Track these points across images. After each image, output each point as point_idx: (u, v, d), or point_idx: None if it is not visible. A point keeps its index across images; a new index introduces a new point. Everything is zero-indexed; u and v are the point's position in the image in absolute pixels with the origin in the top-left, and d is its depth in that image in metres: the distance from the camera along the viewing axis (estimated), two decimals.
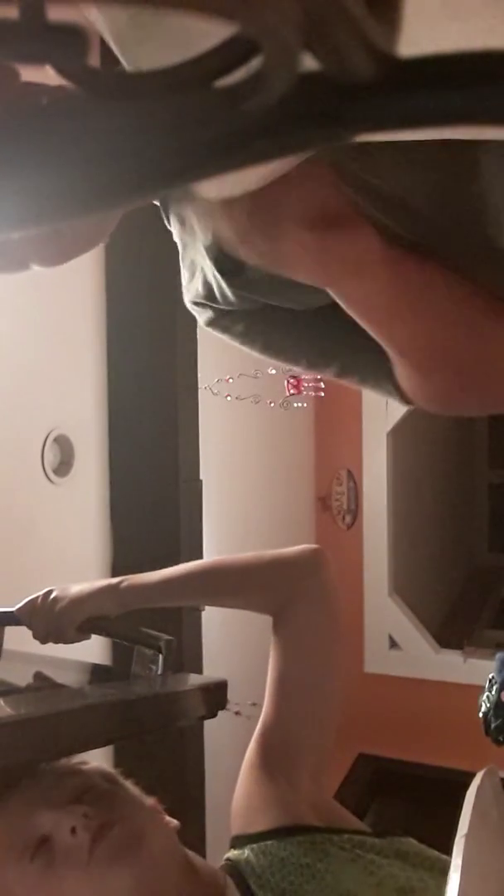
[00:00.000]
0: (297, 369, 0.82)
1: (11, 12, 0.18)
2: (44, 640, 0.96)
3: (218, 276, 0.74)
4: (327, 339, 0.77)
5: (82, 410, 2.25)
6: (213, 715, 0.91)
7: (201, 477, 2.51)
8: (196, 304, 0.81)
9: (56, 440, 2.12)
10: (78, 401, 2.24)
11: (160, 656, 0.94)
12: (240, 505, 3.02)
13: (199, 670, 2.42)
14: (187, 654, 2.32)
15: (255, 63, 0.20)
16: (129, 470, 2.34)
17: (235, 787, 0.91)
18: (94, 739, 0.75)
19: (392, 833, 0.87)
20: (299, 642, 0.98)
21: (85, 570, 2.21)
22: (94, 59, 0.21)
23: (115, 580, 0.97)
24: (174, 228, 0.80)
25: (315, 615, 0.99)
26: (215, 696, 0.91)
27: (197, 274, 0.78)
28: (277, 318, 0.78)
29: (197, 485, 2.48)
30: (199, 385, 2.42)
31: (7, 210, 0.20)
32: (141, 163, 0.20)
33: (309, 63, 0.20)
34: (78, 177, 0.20)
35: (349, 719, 3.43)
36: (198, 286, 0.78)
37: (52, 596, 0.95)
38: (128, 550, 2.31)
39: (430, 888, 0.77)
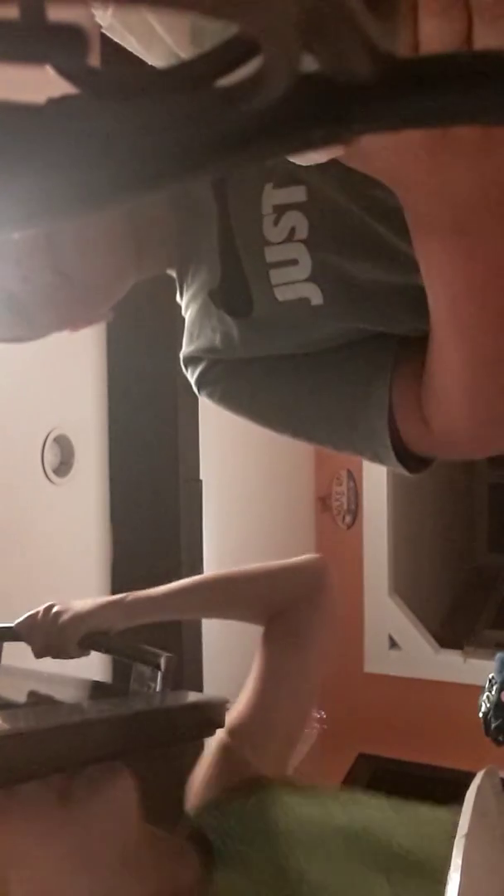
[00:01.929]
0: (285, 435, 0.79)
1: (11, 12, 0.18)
2: (43, 655, 0.96)
3: (227, 319, 0.74)
4: (319, 393, 0.73)
5: (82, 410, 2.25)
6: (212, 733, 0.91)
7: (201, 477, 2.51)
8: (191, 359, 0.81)
9: (56, 440, 2.12)
10: (78, 401, 2.24)
11: (159, 673, 0.94)
12: (240, 505, 3.02)
13: (199, 679, 2.42)
14: (187, 663, 2.31)
15: (255, 63, 0.20)
16: (129, 470, 2.34)
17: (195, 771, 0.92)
18: (91, 755, 0.74)
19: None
20: (292, 647, 0.98)
21: (85, 570, 2.21)
22: (94, 59, 0.21)
23: (118, 596, 0.96)
24: (184, 300, 0.81)
25: (313, 622, 0.99)
26: (214, 714, 0.91)
27: (199, 332, 0.78)
28: (269, 372, 0.76)
29: (197, 485, 2.48)
30: None
31: (8, 210, 0.20)
32: (140, 163, 0.20)
33: (309, 63, 0.20)
34: (77, 176, 0.20)
35: (349, 719, 3.44)
36: (198, 342, 0.78)
37: (54, 611, 0.95)
38: (128, 550, 2.30)
39: (377, 821, 0.77)
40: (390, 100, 0.20)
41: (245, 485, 3.09)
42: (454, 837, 0.74)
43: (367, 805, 0.82)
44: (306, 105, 0.20)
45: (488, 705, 2.34)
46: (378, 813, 0.81)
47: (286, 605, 0.98)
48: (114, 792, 0.74)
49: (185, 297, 0.81)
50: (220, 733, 0.93)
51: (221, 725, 0.91)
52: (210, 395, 0.81)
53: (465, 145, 0.41)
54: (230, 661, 2.65)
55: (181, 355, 0.82)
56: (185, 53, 0.42)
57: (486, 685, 2.39)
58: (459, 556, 5.37)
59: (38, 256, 0.70)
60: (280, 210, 0.69)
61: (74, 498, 2.19)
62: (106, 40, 0.45)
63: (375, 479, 3.68)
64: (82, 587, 2.16)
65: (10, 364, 1.95)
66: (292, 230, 0.68)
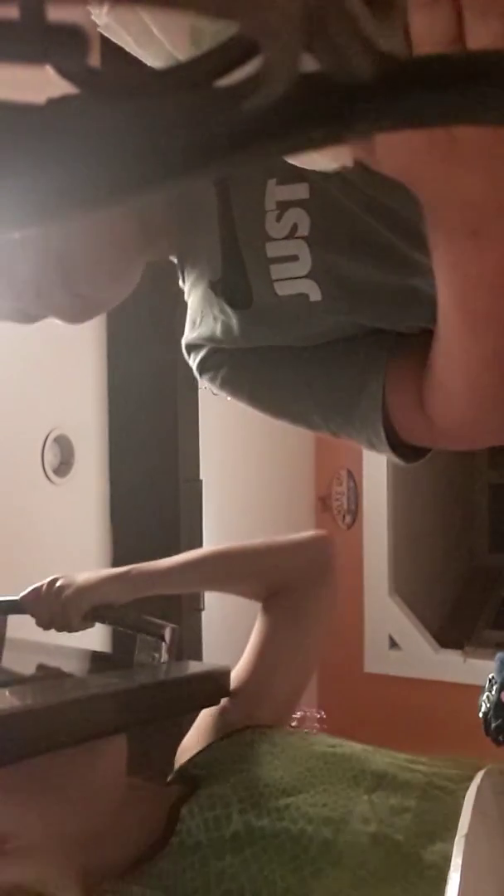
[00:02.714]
0: (284, 421, 0.81)
1: (11, 12, 0.18)
2: (47, 628, 0.96)
3: (227, 310, 0.75)
4: (316, 385, 0.75)
5: (82, 410, 2.25)
6: (217, 702, 0.92)
7: (201, 477, 2.51)
8: (192, 346, 0.82)
9: (56, 440, 2.12)
10: (78, 401, 2.24)
11: (163, 644, 0.95)
12: (240, 505, 3.02)
13: (199, 649, 2.43)
14: (187, 650, 2.32)
15: (255, 63, 0.20)
16: (129, 470, 2.34)
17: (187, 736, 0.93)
18: (100, 729, 0.75)
19: None
20: (294, 618, 0.99)
21: (85, 570, 2.21)
22: (94, 59, 0.21)
23: (122, 568, 0.97)
24: (186, 285, 0.82)
25: (314, 597, 1.01)
26: (219, 683, 0.92)
27: (201, 320, 0.79)
28: (268, 362, 0.77)
29: (197, 485, 2.48)
30: (199, 385, 2.42)
31: (8, 210, 0.20)
32: (141, 163, 0.20)
33: (309, 63, 0.20)
34: (77, 176, 0.20)
35: (349, 719, 3.43)
36: (200, 330, 0.79)
37: (58, 584, 0.96)
38: (128, 550, 2.30)
39: (357, 752, 0.82)
40: (390, 99, 0.20)
41: (245, 485, 3.09)
42: (432, 771, 0.76)
43: (349, 743, 0.86)
44: (306, 105, 0.20)
45: (488, 705, 2.34)
46: (359, 746, 0.84)
47: (289, 581, 0.99)
48: (106, 754, 0.75)
49: (187, 284, 0.82)
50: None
51: (226, 694, 0.92)
52: (211, 381, 0.82)
53: (475, 151, 0.41)
54: (230, 638, 2.65)
55: (183, 341, 0.83)
56: (184, 55, 0.42)
57: (486, 685, 2.39)
58: (459, 556, 5.37)
59: (51, 280, 0.71)
60: (283, 206, 0.70)
61: (74, 498, 2.19)
62: (106, 40, 0.45)
63: (375, 479, 3.68)
64: None
65: (10, 364, 1.95)
66: (294, 227, 0.69)
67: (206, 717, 0.93)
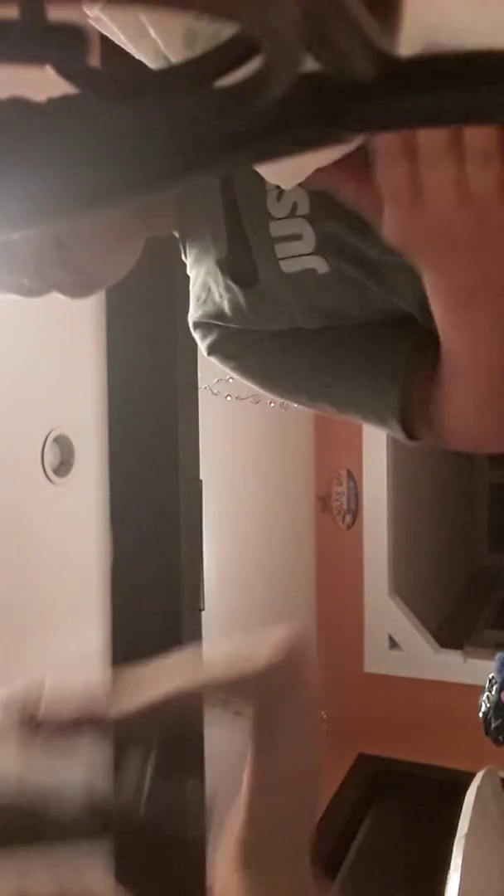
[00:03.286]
0: (294, 405, 0.81)
1: (11, 12, 0.18)
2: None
3: (234, 288, 0.75)
4: (327, 368, 0.76)
5: (82, 410, 2.25)
6: None
7: (201, 477, 2.51)
8: (201, 324, 0.82)
9: (56, 440, 2.12)
10: (78, 401, 2.24)
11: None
12: (240, 505, 3.02)
13: None
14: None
15: (255, 63, 0.20)
16: (129, 470, 2.34)
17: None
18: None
19: None
20: (281, 747, 0.91)
21: (85, 570, 2.21)
22: (94, 59, 0.21)
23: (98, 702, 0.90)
24: (189, 259, 0.82)
25: (298, 717, 0.92)
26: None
27: (207, 296, 0.79)
28: (279, 345, 0.78)
29: (197, 485, 2.48)
30: (199, 385, 2.42)
31: (8, 210, 0.20)
32: (141, 163, 0.20)
33: (309, 63, 0.20)
34: (78, 177, 0.20)
35: (349, 719, 3.44)
36: (206, 307, 0.79)
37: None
38: (128, 550, 2.30)
39: None
40: (389, 99, 0.20)
41: (245, 485, 3.09)
42: None
43: None
44: (306, 105, 0.20)
45: (488, 705, 2.34)
46: None
47: (267, 698, 0.92)
48: None
49: (189, 258, 0.82)
50: (227, 845, 0.88)
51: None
52: (222, 362, 0.82)
53: (463, 234, 0.46)
54: (229, 631, 2.63)
55: (189, 318, 0.83)
56: (176, 57, 0.42)
57: (486, 685, 2.39)
58: (459, 556, 5.37)
59: (50, 258, 0.72)
60: None
61: (74, 498, 2.19)
62: (106, 40, 0.45)
63: (375, 479, 3.68)
64: (82, 587, 2.16)
65: (10, 364, 1.95)
66: (294, 205, 0.70)
67: (226, 857, 0.89)
